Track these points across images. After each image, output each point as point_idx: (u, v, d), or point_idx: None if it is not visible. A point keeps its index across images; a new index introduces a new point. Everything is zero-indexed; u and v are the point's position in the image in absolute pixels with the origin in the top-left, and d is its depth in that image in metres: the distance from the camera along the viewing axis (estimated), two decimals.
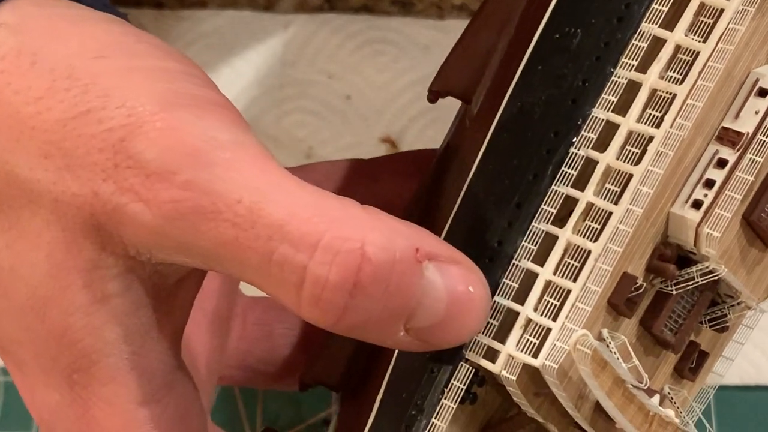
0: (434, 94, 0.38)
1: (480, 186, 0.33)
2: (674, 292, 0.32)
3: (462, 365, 0.32)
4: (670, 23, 0.32)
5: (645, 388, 0.31)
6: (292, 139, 0.60)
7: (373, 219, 0.30)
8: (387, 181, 0.42)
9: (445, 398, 0.32)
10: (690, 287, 0.32)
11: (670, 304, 0.32)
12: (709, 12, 0.31)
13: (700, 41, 0.31)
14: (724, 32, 0.31)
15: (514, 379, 0.31)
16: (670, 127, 0.31)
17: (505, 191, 0.32)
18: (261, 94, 0.61)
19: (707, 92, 0.31)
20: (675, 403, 0.34)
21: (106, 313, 0.32)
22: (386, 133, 0.60)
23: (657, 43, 0.32)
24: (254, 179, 0.30)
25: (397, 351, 0.34)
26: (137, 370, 0.33)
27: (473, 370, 0.32)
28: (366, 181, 0.43)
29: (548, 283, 0.31)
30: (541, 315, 0.31)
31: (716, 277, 0.31)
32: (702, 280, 0.31)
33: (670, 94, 0.31)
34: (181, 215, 0.30)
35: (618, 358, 0.31)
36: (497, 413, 0.33)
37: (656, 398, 0.32)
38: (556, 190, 0.32)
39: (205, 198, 0.30)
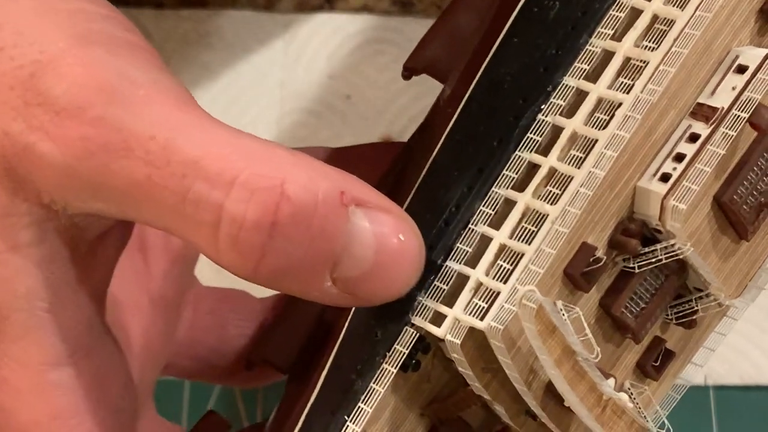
0: (409, 71, 0.37)
1: (446, 155, 0.33)
2: (637, 271, 0.31)
3: (407, 329, 0.30)
4: None
5: (596, 360, 0.30)
6: (292, 139, 0.60)
7: (297, 159, 0.29)
8: (359, 169, 0.42)
9: (386, 363, 0.31)
10: (653, 265, 0.30)
11: (632, 284, 0.31)
12: None
13: (678, 10, 0.30)
14: (703, 1, 0.30)
15: (458, 343, 0.30)
16: (641, 92, 0.30)
17: (468, 157, 0.32)
18: (261, 94, 0.61)
19: (681, 58, 0.30)
20: (636, 400, 0.32)
21: (17, 263, 0.31)
22: (386, 132, 0.60)
23: (635, 14, 0.31)
24: (169, 117, 0.29)
25: (346, 326, 0.33)
26: (50, 327, 0.31)
27: (418, 335, 0.31)
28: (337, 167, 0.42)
29: (503, 247, 0.30)
30: (493, 278, 0.30)
31: (680, 256, 0.30)
32: (666, 258, 0.30)
33: (644, 62, 0.30)
34: (90, 153, 0.29)
35: (568, 324, 0.30)
36: (444, 390, 0.32)
37: (611, 381, 0.31)
38: (520, 156, 0.31)
39: (116, 135, 0.29)
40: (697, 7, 0.30)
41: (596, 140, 0.30)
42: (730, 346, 0.56)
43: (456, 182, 0.31)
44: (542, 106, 0.31)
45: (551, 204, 0.30)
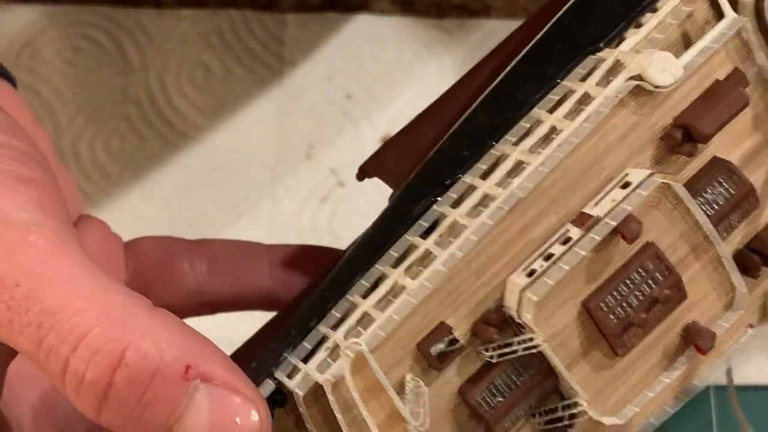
0: (362, 173, 0.39)
1: (357, 246, 0.35)
2: (494, 361, 0.32)
3: (267, 381, 0.32)
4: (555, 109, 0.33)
5: (423, 429, 0.31)
6: (293, 138, 0.60)
7: (153, 324, 0.29)
8: (298, 271, 0.42)
9: None
10: (509, 356, 0.32)
11: (491, 375, 0.32)
12: (590, 101, 0.33)
13: (569, 121, 0.32)
14: (591, 114, 0.32)
15: (302, 395, 0.31)
16: (516, 188, 0.32)
17: (370, 244, 0.33)
18: (261, 93, 0.61)
19: (557, 161, 0.32)
20: None
21: None
22: (386, 132, 0.60)
23: (538, 124, 0.33)
24: (37, 265, 0.30)
25: None
26: None
27: (276, 387, 0.32)
28: (264, 265, 0.43)
29: (365, 314, 0.32)
30: (348, 340, 0.32)
31: (535, 350, 0.31)
32: (523, 351, 0.32)
33: (528, 163, 0.32)
34: None
35: (411, 399, 0.31)
36: None
37: None
38: (407, 239, 0.33)
39: None
40: (585, 120, 0.32)
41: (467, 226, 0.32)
42: None
43: (355, 264, 0.33)
44: (438, 198, 0.33)
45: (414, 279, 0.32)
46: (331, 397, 0.31)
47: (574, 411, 0.32)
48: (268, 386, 0.32)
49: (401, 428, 0.31)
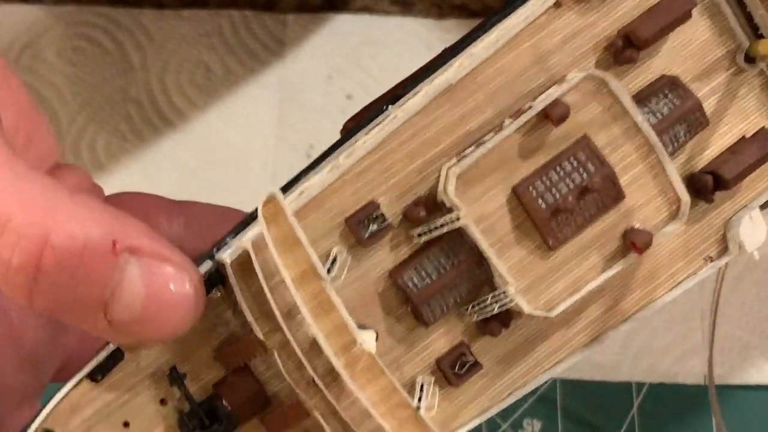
0: (346, 130, 0.40)
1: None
2: (422, 240, 0.32)
3: (207, 261, 0.32)
4: None
5: (329, 281, 0.31)
6: (293, 138, 0.60)
7: (74, 205, 0.29)
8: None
9: None
10: (434, 233, 0.32)
11: (420, 257, 0.33)
12: None
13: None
14: (528, 15, 0.33)
15: (229, 262, 0.32)
16: (450, 75, 0.33)
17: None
18: (261, 93, 0.61)
19: (491, 52, 0.33)
20: (426, 395, 0.33)
21: None
22: None
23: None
24: None
25: None
26: None
27: (215, 267, 0.32)
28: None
29: (302, 191, 0.33)
30: None
31: (456, 225, 0.32)
32: (449, 228, 0.32)
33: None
34: None
35: (335, 266, 0.32)
36: (235, 336, 0.33)
37: (371, 333, 0.32)
38: (354, 138, 0.34)
39: None
40: (523, 19, 0.33)
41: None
42: (730, 347, 0.56)
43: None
44: (390, 106, 0.34)
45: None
46: (253, 257, 0.31)
47: (504, 300, 0.32)
48: (207, 265, 0.32)
49: (317, 285, 0.31)
